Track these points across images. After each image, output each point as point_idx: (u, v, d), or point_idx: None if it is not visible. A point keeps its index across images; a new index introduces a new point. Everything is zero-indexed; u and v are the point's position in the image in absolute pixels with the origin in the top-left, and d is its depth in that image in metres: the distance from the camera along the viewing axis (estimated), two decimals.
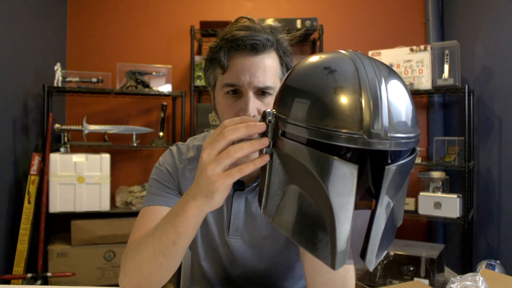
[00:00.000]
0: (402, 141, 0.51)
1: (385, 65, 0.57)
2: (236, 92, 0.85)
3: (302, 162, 0.52)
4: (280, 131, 0.55)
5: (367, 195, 0.59)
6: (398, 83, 0.55)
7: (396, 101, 0.52)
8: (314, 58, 0.58)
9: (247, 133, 0.58)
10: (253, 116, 0.82)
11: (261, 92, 0.84)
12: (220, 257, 0.96)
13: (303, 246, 0.56)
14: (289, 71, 0.60)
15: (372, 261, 0.54)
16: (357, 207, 0.56)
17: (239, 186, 0.91)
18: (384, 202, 0.53)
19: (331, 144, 0.51)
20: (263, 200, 0.60)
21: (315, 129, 0.50)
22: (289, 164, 0.55)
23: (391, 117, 0.50)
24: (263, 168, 0.59)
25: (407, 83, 2.72)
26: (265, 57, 0.85)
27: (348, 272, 0.77)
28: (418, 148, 0.57)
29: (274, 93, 0.85)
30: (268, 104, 0.85)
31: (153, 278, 0.77)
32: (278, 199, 0.58)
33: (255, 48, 0.83)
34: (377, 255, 0.55)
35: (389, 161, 0.56)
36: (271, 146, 0.57)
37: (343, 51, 0.57)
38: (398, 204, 0.58)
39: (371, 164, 0.60)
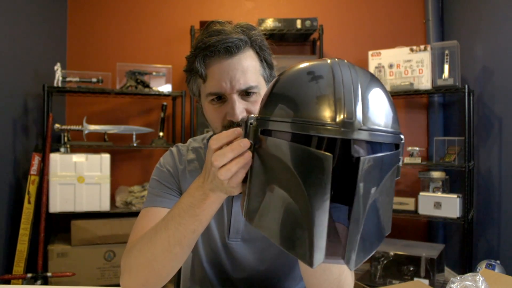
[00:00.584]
0: (377, 133, 0.51)
1: (368, 72, 0.58)
2: (221, 98, 0.85)
3: (280, 156, 0.53)
4: (259, 130, 0.57)
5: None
6: (377, 86, 0.56)
7: (373, 99, 0.53)
8: (295, 66, 0.60)
9: (234, 155, 0.60)
10: (242, 116, 0.83)
11: (246, 93, 0.84)
12: (221, 260, 0.96)
13: (282, 246, 0.55)
14: (272, 81, 0.61)
15: (351, 259, 0.52)
16: (337, 204, 0.57)
17: None
18: (361, 196, 0.51)
19: (310, 141, 0.52)
20: (245, 203, 0.60)
21: (292, 122, 0.52)
22: (269, 162, 0.56)
23: (365, 110, 0.51)
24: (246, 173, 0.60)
25: (407, 83, 2.73)
26: (242, 58, 0.84)
27: (343, 272, 0.76)
28: (401, 148, 0.57)
29: (259, 91, 0.86)
30: (254, 102, 0.85)
31: (164, 272, 0.77)
32: (259, 200, 0.57)
33: (229, 51, 0.83)
34: (359, 256, 0.53)
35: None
36: (252, 146, 0.58)
37: (325, 59, 0.59)
38: (384, 211, 0.57)
39: (351, 162, 0.58)
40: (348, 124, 0.50)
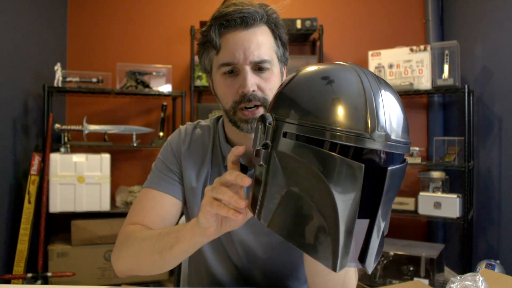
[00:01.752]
0: (401, 145, 0.53)
1: (382, 79, 0.59)
2: (233, 72, 0.84)
3: (307, 162, 0.52)
4: (282, 132, 0.55)
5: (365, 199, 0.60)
6: (395, 95, 0.57)
7: (394, 109, 0.55)
8: (312, 68, 0.59)
9: (228, 204, 0.63)
10: (253, 91, 0.83)
11: (258, 68, 0.84)
12: (221, 243, 0.96)
13: (302, 248, 0.55)
14: (290, 77, 0.60)
15: (371, 264, 0.55)
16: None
17: (242, 170, 0.91)
18: (385, 204, 0.54)
19: (333, 146, 0.52)
20: (258, 204, 0.59)
21: (323, 129, 0.51)
22: (290, 166, 0.55)
23: (391, 122, 0.53)
24: (257, 175, 0.59)
25: (407, 83, 2.73)
26: (257, 31, 0.84)
27: (348, 273, 0.77)
28: (407, 158, 0.59)
29: (271, 67, 0.86)
30: (267, 79, 0.85)
31: (145, 269, 0.82)
32: (275, 202, 0.57)
33: (245, 22, 0.83)
34: (375, 259, 0.56)
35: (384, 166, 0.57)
36: (269, 149, 0.57)
37: (344, 64, 0.59)
38: (386, 213, 0.59)
39: (371, 170, 0.60)
40: (381, 136, 0.51)
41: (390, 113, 0.53)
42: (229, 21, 0.83)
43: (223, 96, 0.87)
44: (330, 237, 0.52)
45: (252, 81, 0.82)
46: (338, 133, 0.50)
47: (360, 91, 0.53)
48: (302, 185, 0.54)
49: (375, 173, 0.54)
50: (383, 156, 0.57)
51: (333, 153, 0.51)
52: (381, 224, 0.55)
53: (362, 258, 0.55)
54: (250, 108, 0.84)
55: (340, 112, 0.51)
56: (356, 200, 0.51)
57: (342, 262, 0.52)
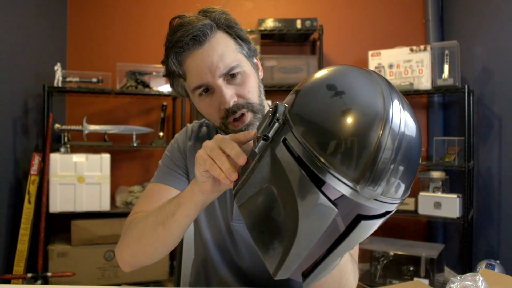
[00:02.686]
0: (390, 203, 0.49)
1: (408, 104, 0.52)
2: (208, 90, 0.84)
3: (289, 177, 0.50)
4: (283, 137, 0.52)
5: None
6: (418, 134, 0.50)
7: (408, 162, 0.48)
8: (347, 75, 0.53)
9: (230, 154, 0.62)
10: (233, 102, 0.82)
11: (230, 76, 0.83)
12: (225, 243, 0.96)
13: (256, 244, 0.56)
14: (319, 74, 0.55)
15: (309, 284, 0.56)
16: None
17: None
18: (345, 246, 0.53)
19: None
20: (240, 183, 0.59)
21: (313, 156, 0.47)
22: (277, 169, 0.53)
23: (392, 179, 0.47)
24: (253, 154, 0.58)
25: (407, 83, 2.73)
26: (213, 43, 0.82)
27: (344, 276, 0.75)
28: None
29: (242, 69, 0.84)
30: (242, 83, 0.83)
31: (150, 249, 0.80)
32: (253, 190, 0.57)
33: (198, 40, 0.81)
34: (320, 277, 0.57)
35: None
36: (268, 141, 0.55)
37: (376, 76, 0.52)
38: (345, 251, 0.58)
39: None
40: (367, 192, 0.46)
41: (397, 169, 0.47)
42: (182, 47, 0.81)
43: (209, 116, 0.87)
44: (283, 248, 0.52)
45: (229, 94, 0.81)
46: (326, 171, 0.46)
47: (376, 132, 0.46)
48: (281, 191, 0.53)
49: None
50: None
51: (315, 187, 0.47)
52: (335, 259, 0.55)
53: (305, 276, 0.56)
54: (238, 118, 0.84)
55: (340, 149, 0.46)
56: (316, 235, 0.49)
57: (283, 273, 0.53)
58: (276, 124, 0.53)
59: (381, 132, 0.46)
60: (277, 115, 0.53)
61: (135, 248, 0.82)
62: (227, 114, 0.83)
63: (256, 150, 0.56)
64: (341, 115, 0.47)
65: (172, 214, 0.74)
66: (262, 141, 0.55)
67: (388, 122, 0.47)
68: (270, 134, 0.54)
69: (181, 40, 0.80)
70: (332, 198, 0.48)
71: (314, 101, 0.51)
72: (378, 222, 0.52)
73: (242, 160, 0.59)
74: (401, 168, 0.47)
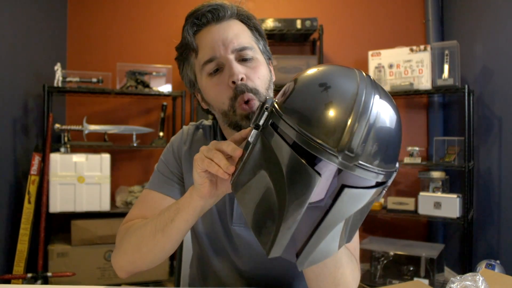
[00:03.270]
0: (371, 172, 0.53)
1: (388, 95, 0.58)
2: (218, 70, 0.83)
3: (278, 155, 0.55)
4: (270, 121, 0.58)
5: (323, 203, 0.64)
6: (394, 116, 0.56)
7: (384, 134, 0.54)
8: (326, 69, 0.59)
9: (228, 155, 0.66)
10: (241, 79, 0.81)
11: (242, 59, 0.83)
12: (225, 247, 0.95)
13: (252, 228, 0.60)
14: (305, 70, 0.61)
15: (303, 264, 0.59)
16: (311, 210, 0.60)
17: None
18: (332, 218, 0.55)
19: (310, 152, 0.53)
20: (236, 173, 0.63)
21: (298, 132, 0.53)
22: (267, 153, 0.58)
23: (371, 146, 0.52)
24: (247, 145, 0.63)
25: (407, 83, 2.73)
26: (231, 23, 0.84)
27: (339, 269, 0.74)
28: (389, 182, 0.58)
29: (255, 55, 0.85)
30: (253, 68, 0.84)
31: (149, 256, 0.80)
32: (248, 178, 0.61)
33: (217, 15, 0.83)
34: (313, 259, 0.59)
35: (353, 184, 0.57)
36: (260, 130, 0.59)
37: (356, 71, 0.58)
38: (353, 225, 0.61)
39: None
40: (347, 157, 0.51)
41: (375, 137, 0.52)
42: (200, 18, 0.82)
43: (216, 98, 0.85)
44: (274, 227, 0.56)
45: (239, 68, 0.81)
46: (309, 141, 0.51)
47: (349, 105, 0.52)
48: (271, 173, 0.57)
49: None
50: (354, 175, 0.55)
51: (298, 156, 0.53)
52: (324, 234, 0.57)
53: (298, 255, 0.59)
54: (246, 102, 0.82)
55: (318, 120, 0.52)
56: (303, 204, 0.53)
57: (276, 250, 0.56)
58: (266, 113, 0.58)
59: (354, 105, 0.52)
60: (265, 105, 0.59)
61: (133, 255, 0.82)
62: (236, 94, 0.82)
63: (249, 139, 0.60)
64: (321, 91, 0.55)
65: (171, 220, 0.74)
66: (254, 130, 0.60)
67: (362, 91, 0.54)
68: (261, 122, 0.59)
69: (200, 10, 0.82)
70: (318, 169, 0.54)
71: (298, 91, 0.57)
72: (365, 193, 0.55)
73: (237, 152, 0.63)
74: (378, 136, 0.52)
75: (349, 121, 0.51)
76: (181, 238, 0.79)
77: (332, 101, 0.53)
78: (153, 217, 0.80)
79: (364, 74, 0.58)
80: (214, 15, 0.82)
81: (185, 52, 0.87)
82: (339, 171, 0.64)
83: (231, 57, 0.81)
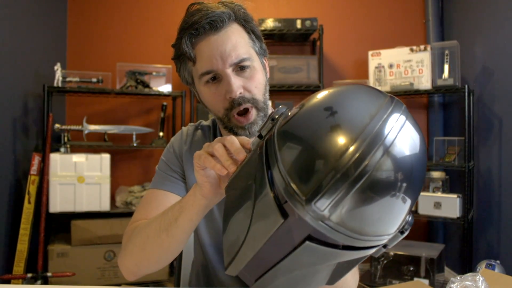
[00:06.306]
0: (342, 233, 0.44)
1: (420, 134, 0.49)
2: (216, 78, 0.83)
3: (256, 175, 0.51)
4: (267, 136, 0.53)
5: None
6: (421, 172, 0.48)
7: (374, 204, 0.43)
8: (325, 93, 0.52)
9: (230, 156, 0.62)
10: (240, 93, 0.81)
11: (240, 68, 0.83)
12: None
13: (222, 236, 0.57)
14: (313, 95, 0.53)
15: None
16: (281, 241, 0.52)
17: None
18: (287, 264, 0.50)
19: None
20: (233, 174, 0.60)
21: (278, 165, 0.47)
22: (258, 166, 0.54)
23: (345, 211, 0.43)
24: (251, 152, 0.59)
25: (407, 83, 2.72)
26: (229, 32, 0.83)
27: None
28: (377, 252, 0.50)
29: (252, 63, 0.84)
30: (250, 78, 0.84)
31: (154, 257, 0.79)
32: (239, 183, 0.58)
33: (215, 26, 0.81)
34: None
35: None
36: (264, 140, 0.55)
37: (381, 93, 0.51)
38: (338, 270, 0.54)
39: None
40: (313, 210, 0.43)
41: (358, 203, 0.42)
42: (198, 29, 0.81)
43: (212, 106, 0.86)
44: (237, 247, 0.53)
45: (237, 84, 0.81)
46: (284, 177, 0.45)
47: (340, 154, 0.43)
48: (254, 188, 0.53)
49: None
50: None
51: (271, 193, 0.48)
52: (279, 275, 0.52)
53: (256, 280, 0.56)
54: (243, 114, 0.83)
55: (304, 163, 0.45)
56: (262, 240, 0.49)
57: (232, 270, 0.54)
58: (270, 124, 0.54)
59: (346, 159, 0.43)
60: (271, 117, 0.54)
61: (139, 256, 0.81)
62: (232, 106, 0.82)
63: (250, 145, 0.58)
64: (326, 117, 0.47)
65: (175, 220, 0.73)
66: (257, 138, 0.56)
67: (363, 141, 0.43)
68: (263, 133, 0.55)
69: (198, 22, 0.80)
70: (289, 211, 0.47)
71: (297, 117, 0.50)
72: (332, 252, 0.47)
73: (241, 155, 0.59)
74: (361, 194, 0.42)
75: (330, 175, 0.42)
76: (186, 239, 0.77)
77: (327, 141, 0.44)
78: (157, 216, 0.79)
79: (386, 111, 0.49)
80: (213, 26, 0.81)
81: (182, 59, 0.87)
82: None
83: (229, 71, 0.81)
